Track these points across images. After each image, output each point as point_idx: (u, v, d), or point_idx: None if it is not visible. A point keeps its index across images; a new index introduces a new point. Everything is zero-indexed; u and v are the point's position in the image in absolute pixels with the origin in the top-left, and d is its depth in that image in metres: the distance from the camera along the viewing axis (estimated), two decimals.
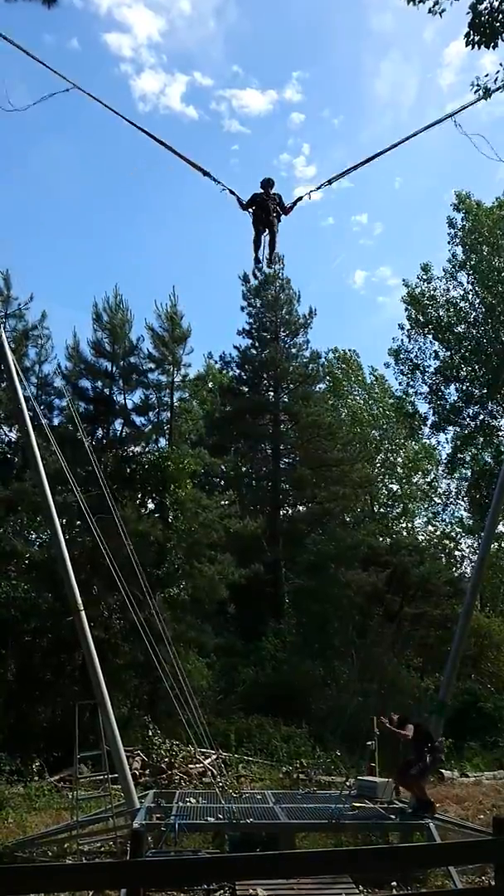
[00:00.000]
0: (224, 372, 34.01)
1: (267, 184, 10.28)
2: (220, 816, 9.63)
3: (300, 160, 68.11)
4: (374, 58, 67.28)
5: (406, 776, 9.91)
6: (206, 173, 9.48)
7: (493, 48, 8.14)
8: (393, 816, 9.85)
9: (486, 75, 9.25)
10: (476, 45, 8.16)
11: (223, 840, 10.04)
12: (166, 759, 14.88)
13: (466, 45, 8.19)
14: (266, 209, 10.08)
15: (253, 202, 10.13)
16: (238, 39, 69.68)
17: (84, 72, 59.67)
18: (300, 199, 10.30)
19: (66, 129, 60.07)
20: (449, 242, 30.00)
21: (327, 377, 38.48)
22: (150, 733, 15.96)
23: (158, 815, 9.73)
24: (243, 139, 66.52)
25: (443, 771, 15.79)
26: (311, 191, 10.13)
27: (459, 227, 29.72)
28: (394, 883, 8.45)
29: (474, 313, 29.43)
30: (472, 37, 8.15)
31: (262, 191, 10.28)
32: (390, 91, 68.03)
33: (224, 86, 66.43)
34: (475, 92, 10.29)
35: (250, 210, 10.18)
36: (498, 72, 8.71)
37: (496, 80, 9.82)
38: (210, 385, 33.13)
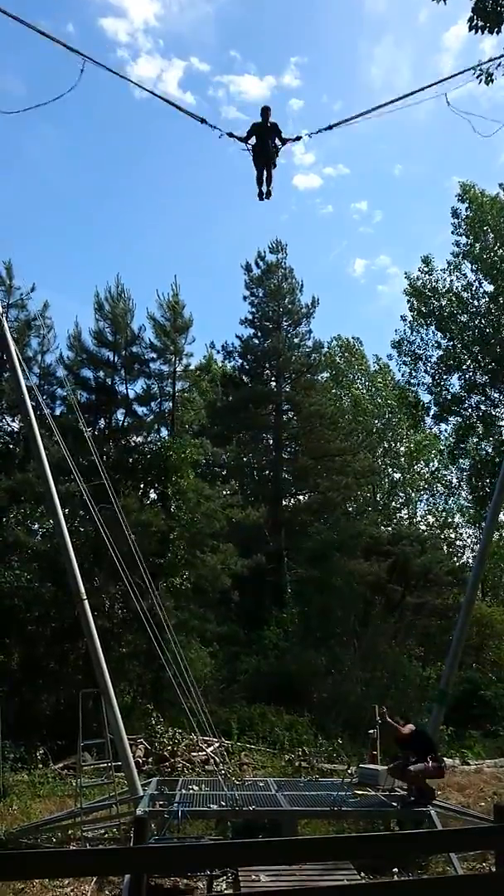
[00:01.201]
0: (226, 362, 33.97)
1: (265, 111, 10.52)
2: (223, 803, 9.69)
3: (299, 147, 67.86)
4: (368, 43, 66.68)
5: (405, 772, 9.88)
6: (202, 121, 9.73)
7: (497, 33, 8.10)
8: (394, 804, 9.91)
9: (490, 59, 9.18)
10: (479, 30, 8.12)
11: (226, 827, 10.12)
12: (169, 748, 14.97)
13: (470, 29, 8.15)
14: (264, 141, 10.42)
15: (252, 133, 10.40)
16: (232, 22, 69.03)
17: (80, 58, 59.20)
18: (299, 137, 10.66)
19: (62, 115, 59.66)
20: (452, 232, 29.85)
21: (329, 366, 38.48)
22: (153, 721, 16.05)
23: (161, 803, 9.80)
24: (242, 126, 65.68)
25: (444, 759, 15.87)
26: (310, 133, 10.45)
27: (463, 216, 29.55)
28: (395, 869, 8.51)
29: (478, 302, 29.31)
30: (475, 21, 8.11)
31: (261, 120, 10.51)
32: (384, 76, 67.27)
33: (221, 71, 65.95)
34: (477, 77, 10.24)
35: (250, 145, 10.45)
36: (502, 56, 8.66)
37: (499, 64, 9.77)
38: (212, 375, 33.09)
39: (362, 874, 8.15)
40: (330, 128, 10.28)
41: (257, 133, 10.45)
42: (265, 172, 10.84)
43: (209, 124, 9.74)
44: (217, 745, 14.62)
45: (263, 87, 64.83)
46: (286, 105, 65.44)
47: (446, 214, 30.12)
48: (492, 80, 10.41)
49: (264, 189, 10.91)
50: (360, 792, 10.27)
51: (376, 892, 6.07)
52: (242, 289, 31.17)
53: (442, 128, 66.03)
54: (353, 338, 41.86)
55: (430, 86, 9.65)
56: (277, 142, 10.55)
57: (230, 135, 10.09)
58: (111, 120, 62.74)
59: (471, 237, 29.34)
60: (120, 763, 10.42)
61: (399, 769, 9.95)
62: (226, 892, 7.97)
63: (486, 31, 8.13)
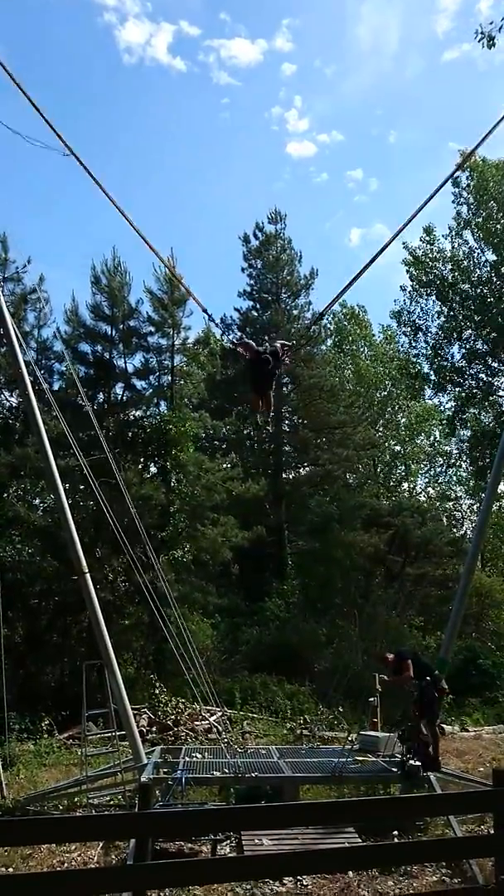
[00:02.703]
0: (225, 335, 33.69)
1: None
2: (226, 770, 9.86)
3: (292, 114, 66.33)
4: (354, 1, 64.90)
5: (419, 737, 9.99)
6: (210, 317, 9.87)
7: None
8: (395, 769, 10.07)
9: (491, 23, 8.98)
10: None
11: (229, 793, 10.30)
12: (172, 717, 15.18)
13: None
14: (264, 369, 9.52)
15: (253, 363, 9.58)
16: None
17: (66, 23, 57.79)
18: (292, 345, 10.10)
19: (45, 80, 58.02)
20: (453, 201, 29.47)
21: (333, 334, 38.21)
22: (157, 692, 16.25)
23: (165, 770, 9.96)
24: (234, 92, 64.53)
25: (444, 726, 16.11)
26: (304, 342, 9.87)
27: (465, 185, 29.17)
28: (395, 832, 8.68)
29: (479, 271, 29.06)
30: None
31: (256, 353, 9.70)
32: (373, 38, 65.44)
33: (212, 35, 64.23)
34: (479, 41, 10.01)
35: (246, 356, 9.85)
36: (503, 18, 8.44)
37: (501, 27, 9.55)
38: (210, 348, 32.88)
39: (363, 837, 8.31)
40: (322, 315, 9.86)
41: (259, 362, 9.51)
42: (263, 399, 9.98)
43: (216, 323, 9.73)
44: (219, 714, 14.83)
45: (255, 51, 63.26)
46: (278, 71, 64.18)
47: (450, 185, 29.55)
48: (493, 44, 10.17)
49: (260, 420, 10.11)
50: (360, 758, 10.44)
51: (377, 855, 6.21)
52: (241, 260, 30.86)
53: (438, 92, 64.50)
54: (357, 305, 41.58)
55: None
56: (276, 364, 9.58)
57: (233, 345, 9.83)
58: (98, 87, 61.25)
59: (473, 205, 29.00)
60: (124, 732, 10.58)
61: (412, 731, 10.07)
62: (229, 855, 8.13)
63: None
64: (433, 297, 30.07)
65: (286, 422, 30.66)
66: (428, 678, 10.09)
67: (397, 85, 64.44)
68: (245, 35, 65.40)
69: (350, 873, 7.29)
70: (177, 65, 63.70)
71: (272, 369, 9.54)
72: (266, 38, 64.58)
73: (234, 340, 9.64)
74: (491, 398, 29.22)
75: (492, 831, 5.57)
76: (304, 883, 7.20)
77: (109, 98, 62.70)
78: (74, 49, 56.57)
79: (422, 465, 40.01)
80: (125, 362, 23.40)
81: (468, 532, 31.16)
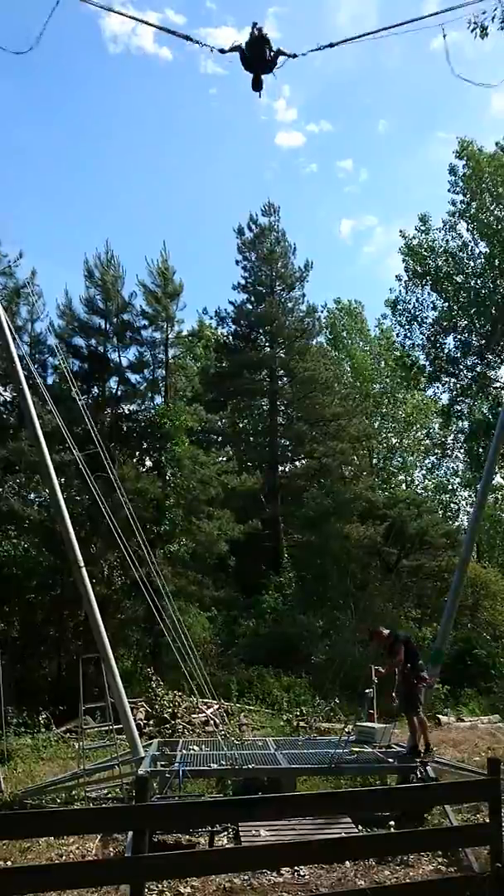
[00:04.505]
0: (219, 328, 33.67)
1: (255, 28, 9.79)
2: (223, 763, 9.89)
3: (280, 103, 65.78)
4: None
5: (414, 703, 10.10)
6: (188, 38, 9.47)
7: None
8: (391, 760, 10.13)
9: (484, 13, 8.95)
10: None
11: (226, 785, 10.34)
12: (169, 710, 15.20)
13: None
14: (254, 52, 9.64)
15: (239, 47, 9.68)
16: None
17: (49, 11, 57.05)
18: (294, 55, 10.04)
19: (26, 71, 57.16)
20: (449, 191, 29.37)
21: (327, 329, 38.18)
22: (154, 685, 16.28)
23: (163, 763, 9.99)
24: (221, 81, 63.92)
25: (439, 716, 16.22)
26: (297, 54, 9.82)
27: (460, 174, 29.05)
28: (391, 822, 8.74)
29: (473, 263, 29.00)
30: None
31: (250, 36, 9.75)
32: (350, 23, 64.93)
33: (198, 24, 63.71)
34: (472, 31, 9.96)
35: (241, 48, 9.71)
36: (496, 8, 8.43)
37: (493, 17, 9.50)
38: (205, 341, 32.84)
39: (360, 827, 8.36)
40: (332, 45, 9.61)
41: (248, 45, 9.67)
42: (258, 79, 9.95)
43: (194, 41, 9.32)
44: (216, 706, 14.88)
45: (242, 39, 62.46)
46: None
47: (432, 171, 29.61)
48: (486, 34, 10.10)
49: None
50: (357, 749, 10.49)
51: (373, 844, 6.25)
52: (235, 253, 30.79)
53: (428, 81, 64.10)
54: (354, 301, 41.60)
55: (429, 16, 9.04)
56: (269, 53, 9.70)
57: (221, 51, 9.44)
58: (83, 77, 60.52)
59: (467, 196, 28.90)
60: (121, 726, 10.60)
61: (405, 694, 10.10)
62: (227, 846, 8.18)
63: None
64: (428, 288, 30.02)
65: (281, 415, 30.68)
66: (409, 665, 10.10)
67: (385, 74, 63.94)
68: (232, 24, 64.90)
69: (347, 863, 7.34)
70: (163, 54, 63.10)
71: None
72: (253, 26, 63.95)
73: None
74: (487, 389, 29.21)
75: (487, 820, 5.60)
76: (302, 873, 7.24)
77: (95, 88, 62.05)
78: (59, 38, 55.93)
79: (418, 457, 40.06)
80: (119, 356, 23.37)
81: (464, 524, 31.28)
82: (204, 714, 14.75)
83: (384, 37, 9.15)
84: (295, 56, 9.79)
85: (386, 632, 10.72)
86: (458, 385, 29.36)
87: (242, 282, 30.72)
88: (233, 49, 9.66)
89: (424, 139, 62.28)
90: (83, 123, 59.02)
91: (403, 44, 64.01)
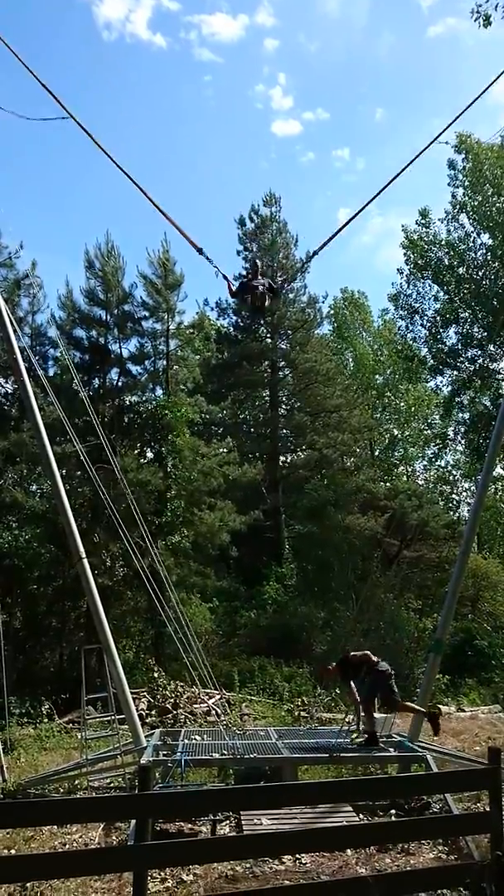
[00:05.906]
0: (220, 319, 33.56)
1: (254, 268, 11.02)
2: (225, 752, 9.93)
3: (276, 91, 65.13)
4: None
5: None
6: (199, 251, 9.71)
7: None
8: (391, 749, 10.18)
9: (487, 1, 8.88)
10: None
11: (228, 774, 10.40)
12: (171, 700, 15.26)
13: None
14: (255, 294, 10.40)
15: (243, 290, 10.48)
16: None
17: (45, 5, 56.64)
18: (286, 279, 10.75)
19: (31, 65, 56.55)
20: (449, 184, 29.25)
21: (332, 319, 38.09)
22: (156, 675, 16.35)
23: (165, 753, 10.04)
24: (216, 69, 63.12)
25: (440, 706, 16.28)
26: (300, 270, 10.64)
27: (460, 167, 28.92)
28: (392, 811, 8.79)
29: (475, 255, 28.90)
30: None
31: (250, 275, 10.66)
32: (343, 11, 64.26)
33: (192, 10, 62.97)
34: (474, 20, 9.88)
35: (241, 296, 10.65)
36: None
37: (497, 6, 9.43)
38: (205, 332, 32.74)
39: (361, 816, 8.41)
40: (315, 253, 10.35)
41: (249, 289, 10.47)
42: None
43: (207, 258, 9.70)
44: (218, 696, 14.94)
45: (237, 26, 61.62)
46: (261, 47, 62.85)
47: (429, 162, 29.35)
48: (490, 23, 10.01)
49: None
50: (357, 738, 10.54)
51: (374, 833, 6.29)
52: (237, 243, 30.66)
53: (425, 68, 63.36)
54: (358, 292, 41.47)
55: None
56: (270, 292, 10.59)
57: (224, 276, 10.07)
58: (77, 65, 59.96)
59: (468, 189, 28.77)
60: (123, 716, 10.65)
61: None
62: (229, 835, 8.23)
63: None
64: (429, 281, 29.93)
65: (282, 406, 30.64)
66: (353, 672, 10.62)
67: (382, 61, 63.23)
68: (226, 10, 63.99)
69: (348, 851, 7.39)
70: (157, 41, 62.40)
71: (268, 291, 10.59)
72: (248, 13, 63.26)
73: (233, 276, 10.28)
74: (489, 381, 29.16)
75: (487, 808, 5.64)
76: (304, 861, 7.28)
77: (89, 76, 61.42)
78: (52, 25, 55.49)
79: (418, 449, 40.02)
80: (120, 347, 23.37)
81: (464, 515, 31.29)
82: (206, 704, 14.81)
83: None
84: (286, 281, 10.62)
85: (331, 665, 11.40)
86: (460, 377, 29.32)
87: (244, 272, 30.58)
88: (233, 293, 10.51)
89: (422, 128, 61.84)
90: (78, 112, 57.67)
91: (400, 31, 62.98)
